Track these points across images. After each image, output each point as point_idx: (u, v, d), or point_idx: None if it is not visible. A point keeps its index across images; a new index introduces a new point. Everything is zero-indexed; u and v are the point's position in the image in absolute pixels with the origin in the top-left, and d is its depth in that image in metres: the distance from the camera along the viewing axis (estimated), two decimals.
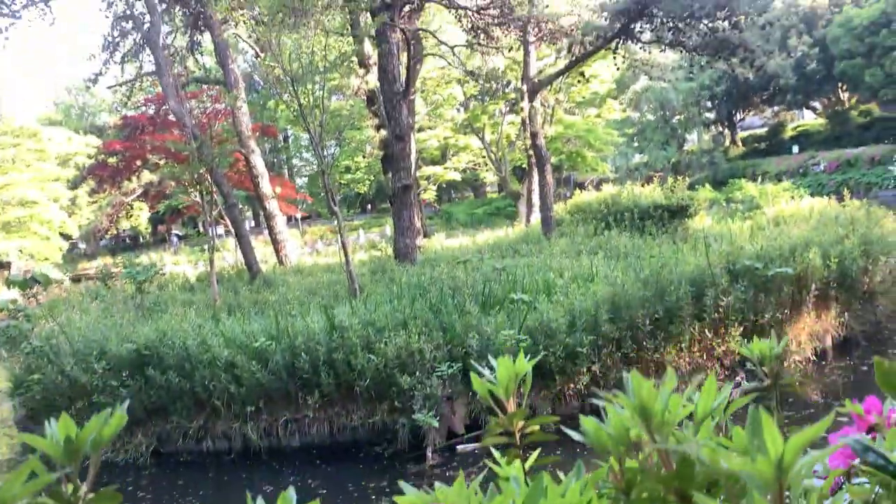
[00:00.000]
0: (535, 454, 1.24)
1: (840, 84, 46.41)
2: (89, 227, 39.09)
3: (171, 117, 19.77)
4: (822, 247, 11.56)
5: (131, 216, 36.36)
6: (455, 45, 20.45)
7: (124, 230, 54.39)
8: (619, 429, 1.07)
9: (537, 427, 1.25)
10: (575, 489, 0.90)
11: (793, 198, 19.46)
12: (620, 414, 1.06)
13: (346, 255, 13.52)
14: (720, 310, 10.31)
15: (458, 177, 41.06)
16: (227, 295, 16.11)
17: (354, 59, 19.96)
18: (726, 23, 14.95)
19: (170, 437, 10.36)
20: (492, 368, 1.26)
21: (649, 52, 18.00)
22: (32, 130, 41.78)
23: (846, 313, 11.75)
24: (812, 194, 34.68)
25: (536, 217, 23.01)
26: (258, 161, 20.53)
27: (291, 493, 0.96)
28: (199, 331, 11.12)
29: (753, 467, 0.57)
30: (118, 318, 13.49)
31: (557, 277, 12.54)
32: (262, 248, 38.34)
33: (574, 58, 17.49)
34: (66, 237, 44.47)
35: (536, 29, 17.94)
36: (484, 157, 37.04)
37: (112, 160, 24.05)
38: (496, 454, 1.20)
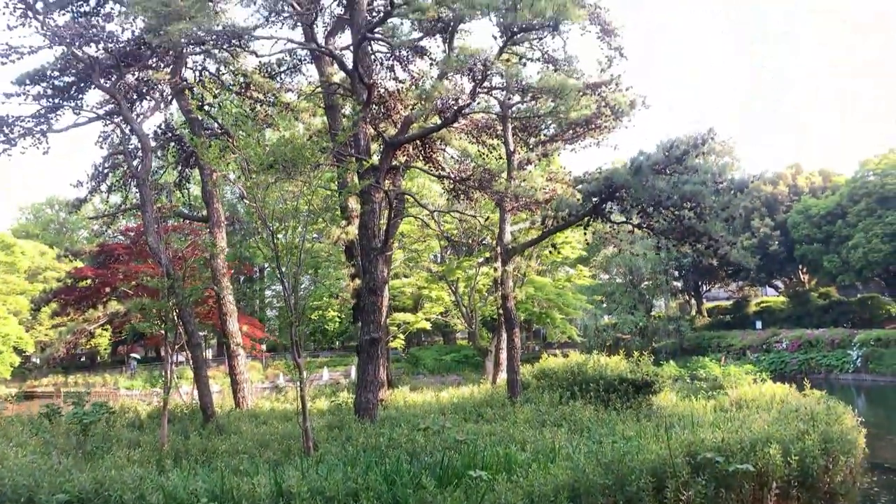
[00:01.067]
0: None
1: (800, 266, 48.58)
2: (45, 355, 37.88)
3: (148, 249, 19.87)
4: (782, 443, 11.56)
5: (91, 341, 35.49)
6: (435, 210, 21.29)
7: (82, 349, 52.78)
8: None
9: None
10: None
11: (755, 380, 19.68)
12: None
13: (304, 410, 13.20)
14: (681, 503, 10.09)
15: (428, 326, 41.14)
16: (177, 439, 15.46)
17: (337, 208, 20.63)
18: (692, 213, 15.82)
19: None
20: None
21: (618, 230, 18.82)
22: (7, 242, 41.60)
23: None
24: (775, 371, 35.30)
25: (502, 378, 22.87)
26: (229, 299, 20.51)
27: None
28: (139, 483, 10.55)
29: None
30: (56, 459, 12.78)
31: (519, 451, 12.29)
32: (220, 380, 37.34)
33: (547, 229, 18.23)
34: (19, 351, 43.00)
35: (513, 200, 18.82)
36: (456, 306, 37.38)
37: (82, 284, 23.85)
38: None
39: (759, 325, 47.23)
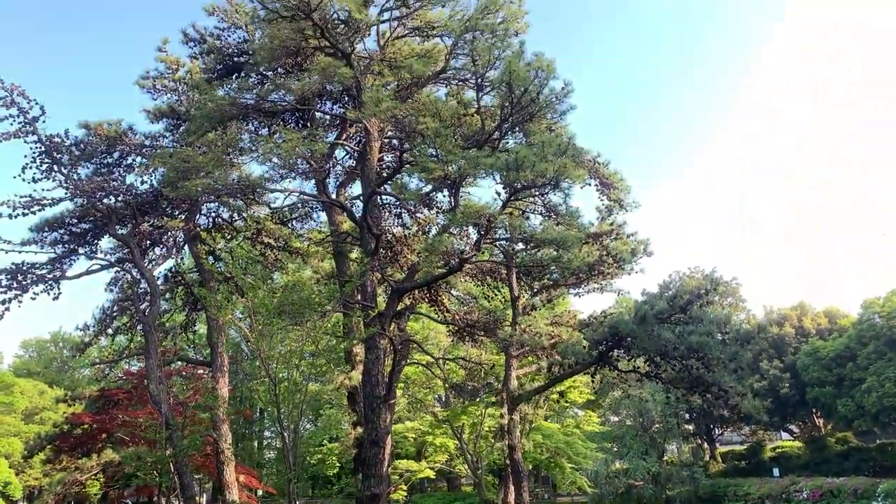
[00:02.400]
0: None
1: (814, 410, 47.32)
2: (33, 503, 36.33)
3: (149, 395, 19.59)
4: None
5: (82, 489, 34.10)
6: (439, 358, 21.20)
7: (71, 496, 50.61)
8: None
9: None
10: None
11: None
12: None
13: None
14: None
15: (432, 474, 39.60)
16: None
17: (341, 353, 20.53)
18: (700, 362, 15.68)
19: None
20: None
21: (625, 381, 18.57)
22: (7, 382, 41.15)
23: None
24: None
25: None
26: (227, 448, 19.93)
27: None
28: None
29: None
30: None
31: None
32: None
33: (554, 377, 18.01)
34: (5, 496, 41.20)
35: (519, 347, 18.75)
36: (461, 454, 36.10)
37: (77, 431, 23.33)
38: None
39: (776, 472, 45.29)
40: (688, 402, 17.62)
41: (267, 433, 59.25)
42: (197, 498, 17.85)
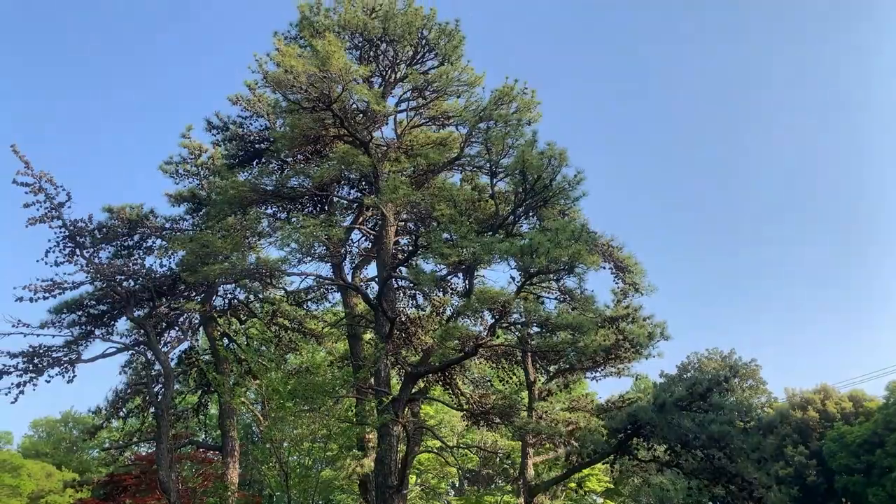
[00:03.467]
0: None
1: (843, 499, 45.40)
2: None
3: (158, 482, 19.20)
4: None
5: None
6: (454, 446, 20.79)
7: None
8: None
9: None
10: None
11: None
12: None
13: None
14: None
15: None
16: None
17: (353, 439, 20.16)
18: (721, 452, 15.23)
19: None
20: None
21: (646, 468, 18.02)
22: (15, 464, 40.61)
23: None
24: None
25: None
26: None
27: None
28: None
29: None
30: None
31: None
32: None
33: (572, 466, 17.52)
34: None
35: (535, 434, 18.35)
36: None
37: None
38: None
39: None
40: (711, 492, 17.01)
41: None
42: None
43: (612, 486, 36.35)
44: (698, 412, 15.33)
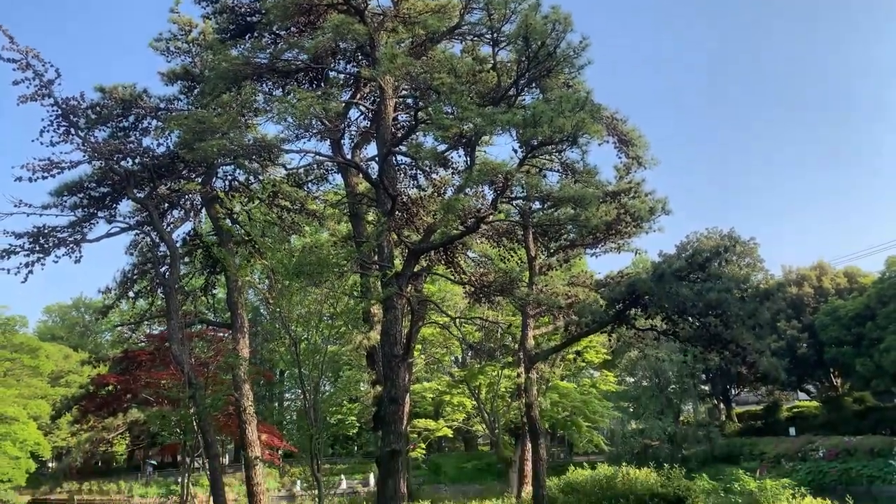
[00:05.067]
0: None
1: (832, 370, 47.22)
2: (62, 465, 37.40)
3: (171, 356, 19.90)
4: None
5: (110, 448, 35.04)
6: (456, 318, 21.29)
7: (98, 454, 52.03)
8: None
9: None
10: None
11: (794, 496, 18.71)
12: None
13: None
14: None
15: (450, 432, 40.18)
16: None
17: (360, 314, 20.68)
18: (717, 320, 15.62)
19: None
20: None
21: (643, 335, 18.58)
22: (33, 346, 41.99)
23: None
24: (813, 482, 33.52)
25: (528, 491, 22.02)
26: (249, 407, 20.25)
27: None
28: None
29: None
30: None
31: None
32: (236, 488, 36.26)
33: (571, 335, 18.04)
34: (35, 456, 42.38)
35: (536, 306, 18.77)
36: (478, 412, 36.57)
37: (103, 392, 23.82)
38: None
39: (792, 431, 45.43)
40: (705, 360, 17.64)
41: (287, 395, 60.36)
42: (220, 455, 18.22)
43: (609, 359, 37.78)
44: (696, 282, 15.58)
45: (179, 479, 19.59)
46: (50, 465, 51.73)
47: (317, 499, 13.10)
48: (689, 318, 15.91)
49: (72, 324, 64.53)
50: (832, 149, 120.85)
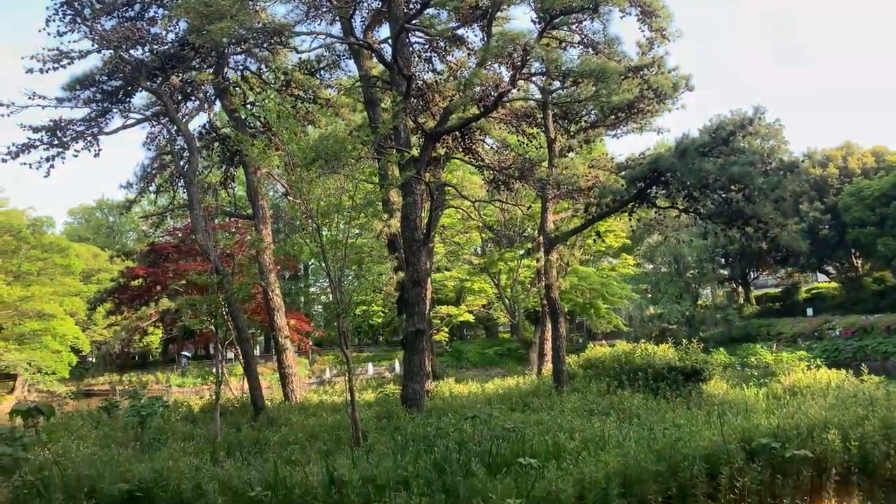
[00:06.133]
0: None
1: (853, 251, 47.10)
2: (102, 352, 39.11)
3: (197, 246, 20.30)
4: (841, 428, 11.21)
5: (144, 339, 36.52)
6: (476, 200, 21.25)
7: (135, 348, 54.35)
8: None
9: None
10: None
11: (809, 367, 19.17)
12: None
13: (352, 399, 13.32)
14: (736, 490, 9.86)
15: (471, 318, 41.17)
16: (229, 431, 15.76)
17: (379, 202, 20.78)
18: (740, 195, 15.45)
19: None
20: None
21: (664, 216, 18.51)
22: (62, 245, 42.91)
23: (869, 501, 11.18)
24: (828, 359, 34.28)
25: (548, 368, 22.75)
26: (276, 295, 20.82)
27: None
28: (195, 473, 10.80)
29: None
30: (116, 451, 13.17)
31: (568, 440, 12.19)
32: (269, 376, 37.91)
33: (591, 217, 18.01)
34: (76, 351, 44.41)
35: (555, 188, 18.65)
36: (498, 299, 37.34)
37: (134, 283, 24.55)
38: None
39: (810, 312, 45.99)
40: (726, 236, 17.56)
41: (313, 289, 61.80)
42: (251, 340, 18.90)
43: (629, 243, 37.92)
44: (720, 157, 15.30)
45: (214, 369, 20.41)
46: (90, 359, 54.24)
47: (347, 382, 13.62)
48: (712, 195, 15.74)
49: (97, 225, 65.64)
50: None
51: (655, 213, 17.90)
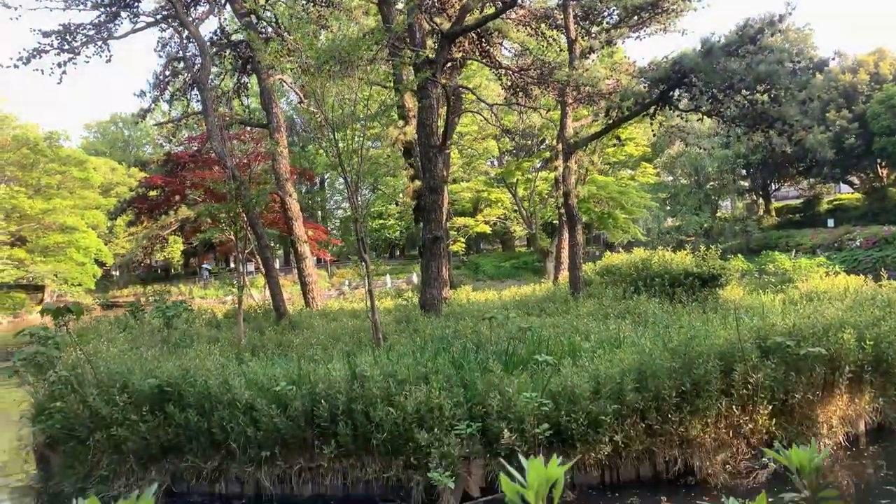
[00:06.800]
0: None
1: (879, 160, 46.05)
2: (125, 260, 39.77)
3: (213, 156, 20.25)
4: (857, 328, 11.27)
5: (165, 249, 37.12)
6: (494, 104, 20.81)
7: (157, 261, 55.37)
8: None
9: None
10: None
11: (827, 273, 19.12)
12: None
13: (372, 302, 13.55)
14: (749, 386, 10.04)
15: (488, 229, 41.25)
16: (253, 335, 16.19)
17: (395, 109, 20.46)
18: (765, 96, 14.99)
19: (183, 476, 10.29)
20: (522, 470, 1.24)
21: (686, 120, 18.07)
22: (80, 158, 43.11)
23: (881, 399, 11.37)
24: (847, 270, 34.16)
25: (564, 276, 22.90)
26: (293, 204, 20.87)
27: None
28: (222, 370, 11.16)
29: None
30: (144, 352, 13.61)
31: (583, 341, 12.39)
32: (289, 288, 38.64)
33: (611, 121, 17.63)
34: (100, 264, 45.35)
35: (574, 91, 18.20)
36: (515, 210, 37.26)
37: (152, 193, 24.70)
38: None
39: (831, 223, 45.52)
40: (749, 142, 17.14)
41: (329, 203, 61.99)
42: (271, 248, 19.08)
43: (649, 152, 37.32)
44: (746, 56, 14.72)
45: (235, 279, 20.76)
46: (114, 272, 55.45)
47: (366, 286, 13.79)
48: (736, 96, 15.26)
49: (112, 139, 65.58)
50: None
51: (678, 116, 17.45)
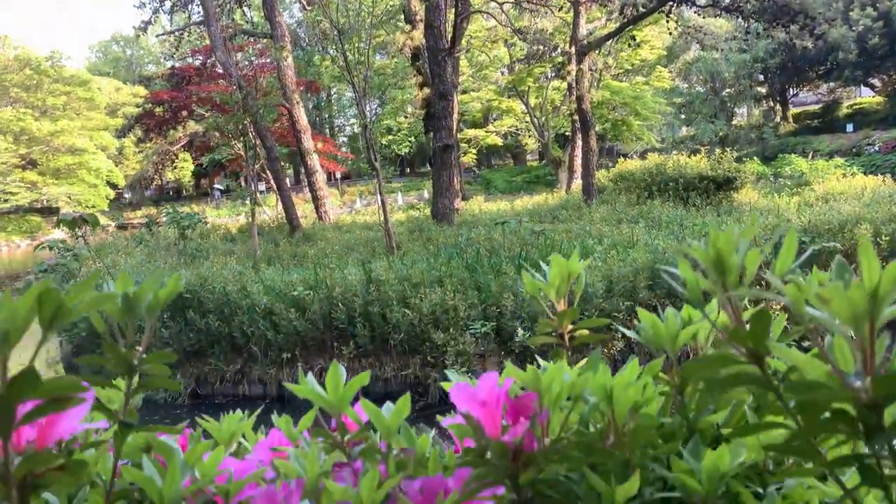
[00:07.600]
0: (584, 361, 1.21)
1: None
2: (136, 177, 39.79)
3: (218, 69, 19.86)
4: (873, 223, 11.20)
5: (176, 167, 37.04)
6: (504, 2, 20.06)
7: (168, 182, 55.42)
8: (673, 326, 1.06)
9: (586, 331, 1.23)
10: (633, 366, 0.88)
11: (844, 175, 18.84)
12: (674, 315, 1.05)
13: (384, 211, 13.58)
14: (762, 283, 10.09)
15: (499, 141, 40.69)
16: (267, 247, 16.35)
17: (401, 15, 19.81)
18: None
19: (207, 379, 10.63)
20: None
21: (703, 17, 17.41)
22: (83, 79, 42.47)
23: None
24: (865, 174, 33.65)
25: (577, 184, 22.74)
26: (301, 116, 20.58)
27: (341, 368, 0.95)
28: (240, 278, 11.34)
29: (845, 297, 0.54)
30: (161, 263, 13.82)
31: (596, 244, 12.41)
32: (301, 206, 38.69)
33: (626, 20, 17.00)
34: (112, 185, 45.48)
35: None
36: (527, 121, 36.62)
37: (159, 110, 24.40)
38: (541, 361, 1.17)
39: (850, 128, 44.39)
40: (769, 36, 16.51)
41: (337, 119, 61.19)
42: (282, 162, 18.96)
43: (664, 54, 36.14)
44: None
45: (247, 198, 20.69)
46: (126, 195, 55.64)
47: (378, 195, 13.75)
48: None
49: (115, 59, 64.39)
50: None
51: (695, 13, 16.79)
